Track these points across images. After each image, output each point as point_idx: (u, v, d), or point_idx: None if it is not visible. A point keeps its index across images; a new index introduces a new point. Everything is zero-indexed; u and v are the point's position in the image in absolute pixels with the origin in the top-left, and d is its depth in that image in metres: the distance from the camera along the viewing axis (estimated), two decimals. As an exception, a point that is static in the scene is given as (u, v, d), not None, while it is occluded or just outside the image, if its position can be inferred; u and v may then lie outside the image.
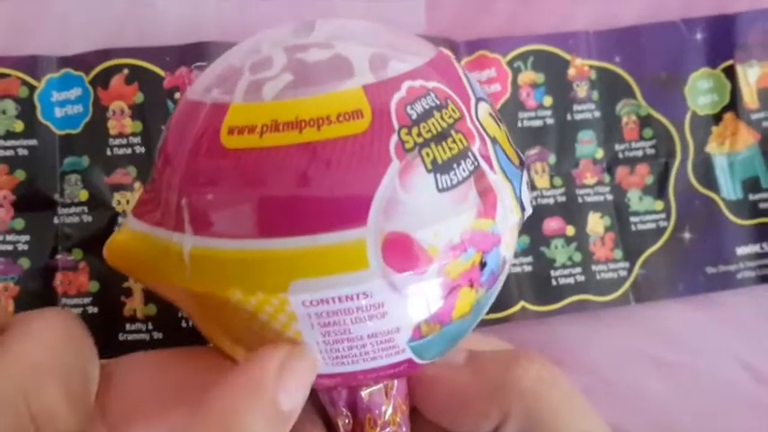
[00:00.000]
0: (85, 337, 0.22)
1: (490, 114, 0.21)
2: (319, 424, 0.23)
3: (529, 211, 0.21)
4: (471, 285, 0.19)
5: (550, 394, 0.22)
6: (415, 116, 0.18)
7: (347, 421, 0.22)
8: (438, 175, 0.18)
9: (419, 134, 0.18)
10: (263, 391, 0.18)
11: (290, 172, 0.18)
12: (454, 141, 0.19)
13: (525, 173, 0.21)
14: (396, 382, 0.23)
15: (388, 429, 0.23)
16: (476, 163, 0.19)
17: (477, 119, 0.20)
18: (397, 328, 0.19)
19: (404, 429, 0.23)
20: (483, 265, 0.19)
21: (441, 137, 0.19)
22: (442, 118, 0.19)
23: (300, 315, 0.18)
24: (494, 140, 0.20)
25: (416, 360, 0.20)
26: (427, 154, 0.18)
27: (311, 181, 0.18)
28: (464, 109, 0.20)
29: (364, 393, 0.22)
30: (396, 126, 0.18)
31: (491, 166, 0.19)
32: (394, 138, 0.18)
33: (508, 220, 0.20)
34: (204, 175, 0.19)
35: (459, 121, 0.19)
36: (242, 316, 0.19)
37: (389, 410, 0.22)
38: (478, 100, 0.21)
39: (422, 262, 0.18)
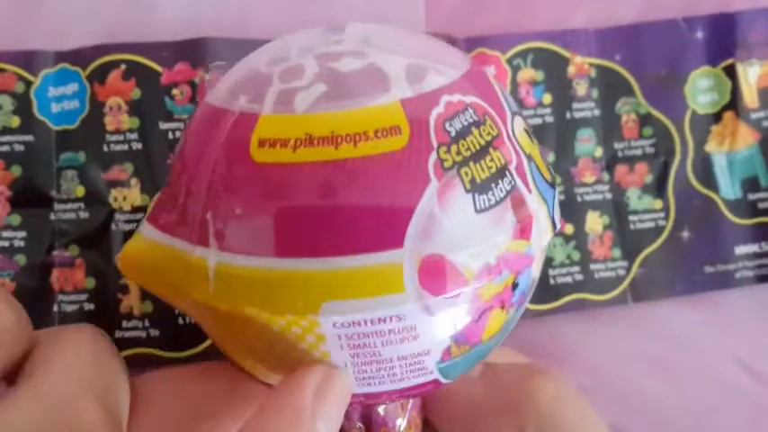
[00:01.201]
0: (115, 353, 0.21)
1: (525, 130, 0.20)
2: None
3: (558, 227, 0.21)
4: (503, 307, 0.19)
5: (567, 412, 0.21)
6: (453, 133, 0.18)
7: None
8: (476, 196, 0.18)
9: (458, 152, 0.18)
10: (302, 420, 0.18)
11: (326, 189, 0.17)
12: (492, 160, 0.18)
13: (557, 192, 0.21)
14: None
15: None
16: (513, 182, 0.18)
17: (514, 135, 0.19)
18: (427, 351, 0.18)
19: None
20: (515, 286, 0.19)
21: (479, 155, 0.18)
22: (480, 135, 0.18)
23: (330, 336, 0.18)
24: (529, 158, 0.20)
25: (442, 380, 0.20)
26: (466, 173, 0.18)
27: (347, 200, 0.17)
28: (501, 125, 0.19)
29: (380, 408, 0.22)
30: (434, 144, 0.18)
31: (527, 186, 0.19)
32: (433, 156, 0.17)
33: (542, 241, 0.19)
34: (232, 189, 0.18)
35: (497, 138, 0.19)
36: (267, 335, 0.18)
37: (404, 425, 0.22)
38: (514, 114, 0.20)
39: (458, 285, 0.17)
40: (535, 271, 0.20)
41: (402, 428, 0.22)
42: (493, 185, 0.18)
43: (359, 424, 0.22)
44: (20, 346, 0.19)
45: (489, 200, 0.18)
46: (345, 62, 0.18)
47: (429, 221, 0.17)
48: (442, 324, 0.18)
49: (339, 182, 0.17)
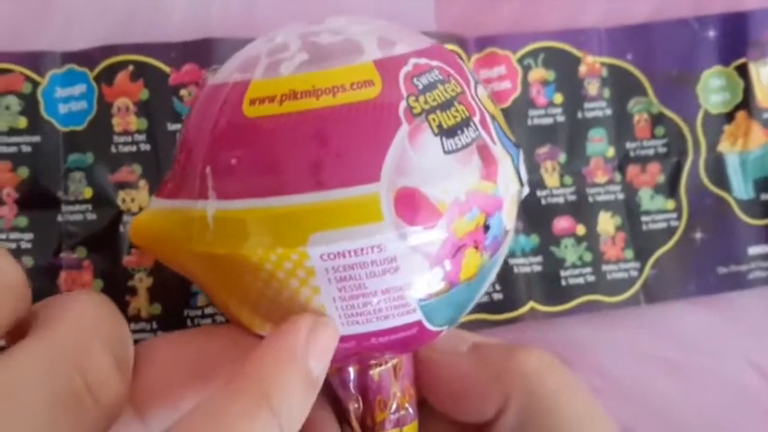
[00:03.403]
0: (118, 312, 0.22)
1: (488, 96, 0.22)
2: (329, 410, 0.24)
3: (526, 189, 0.23)
4: (476, 247, 0.20)
5: (552, 378, 0.23)
6: (421, 87, 0.20)
7: (357, 406, 0.23)
8: (444, 139, 0.20)
9: (426, 102, 0.20)
10: (296, 358, 0.19)
11: (309, 133, 0.19)
12: (457, 111, 0.20)
13: (521, 152, 0.23)
14: (403, 361, 0.24)
15: (397, 414, 0.23)
16: (477, 132, 0.21)
17: (477, 96, 0.22)
18: (408, 284, 0.20)
19: (412, 414, 0.24)
20: (486, 227, 0.20)
21: (445, 106, 0.20)
22: (445, 90, 0.20)
23: (318, 269, 0.19)
24: (493, 117, 0.22)
25: (426, 324, 0.21)
26: (433, 119, 0.20)
27: (329, 141, 0.19)
28: (464, 86, 0.21)
29: (374, 373, 0.23)
30: (404, 93, 0.20)
31: (491, 137, 0.21)
32: (403, 103, 0.20)
33: (509, 188, 0.21)
34: (228, 143, 0.20)
35: (461, 94, 0.21)
36: (262, 276, 0.20)
37: (398, 393, 0.23)
38: (477, 82, 0.22)
39: (431, 216, 0.19)
40: (506, 220, 0.21)
41: (397, 398, 0.23)
42: (458, 131, 0.20)
43: (356, 395, 0.23)
44: (24, 306, 0.19)
45: (456, 143, 0.20)
46: (325, 36, 0.21)
47: (402, 158, 0.19)
48: (420, 256, 0.19)
49: (321, 125, 0.19)
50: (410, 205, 0.19)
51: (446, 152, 0.20)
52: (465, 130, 0.20)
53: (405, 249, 0.19)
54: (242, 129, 0.20)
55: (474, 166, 0.20)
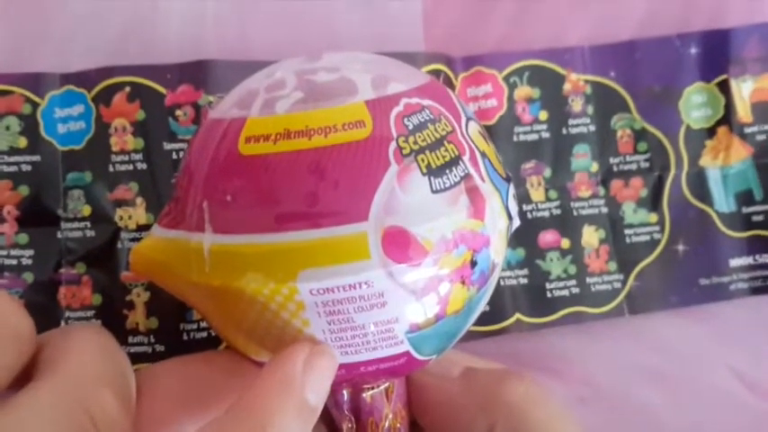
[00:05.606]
0: (118, 346, 0.23)
1: (479, 132, 0.23)
2: (323, 429, 0.24)
3: (516, 222, 0.23)
4: (463, 282, 0.21)
5: (537, 411, 0.23)
6: (411, 127, 0.21)
7: (350, 426, 0.24)
8: (432, 179, 0.20)
9: (415, 142, 0.20)
10: (293, 389, 0.20)
11: (301, 173, 0.20)
12: (446, 150, 0.21)
13: (512, 186, 0.23)
14: (395, 385, 0.24)
15: None
16: (466, 170, 0.21)
17: (468, 134, 0.22)
18: (396, 318, 0.20)
19: None
20: (474, 263, 0.21)
21: (434, 146, 0.21)
22: (435, 130, 0.21)
23: (308, 303, 0.20)
24: (483, 153, 0.22)
25: (415, 354, 0.21)
26: (422, 159, 0.20)
27: (320, 180, 0.20)
28: (455, 124, 0.22)
29: (366, 395, 0.24)
30: (394, 134, 0.20)
31: (480, 175, 0.21)
32: (392, 144, 0.20)
33: (497, 225, 0.22)
34: (224, 180, 0.20)
35: (450, 133, 0.21)
36: (255, 308, 0.20)
37: (390, 415, 0.24)
38: (468, 119, 0.23)
39: (418, 254, 0.20)
40: (494, 254, 0.22)
41: (389, 420, 0.24)
42: (447, 171, 0.21)
43: (349, 415, 0.24)
44: (31, 351, 0.20)
45: (444, 183, 0.20)
46: (320, 75, 0.22)
47: (390, 198, 0.20)
48: (406, 292, 0.20)
49: (312, 165, 0.20)
50: (397, 244, 0.19)
51: (434, 191, 0.20)
52: (453, 169, 0.21)
53: (392, 285, 0.20)
54: (237, 166, 0.20)
55: (461, 205, 0.20)
